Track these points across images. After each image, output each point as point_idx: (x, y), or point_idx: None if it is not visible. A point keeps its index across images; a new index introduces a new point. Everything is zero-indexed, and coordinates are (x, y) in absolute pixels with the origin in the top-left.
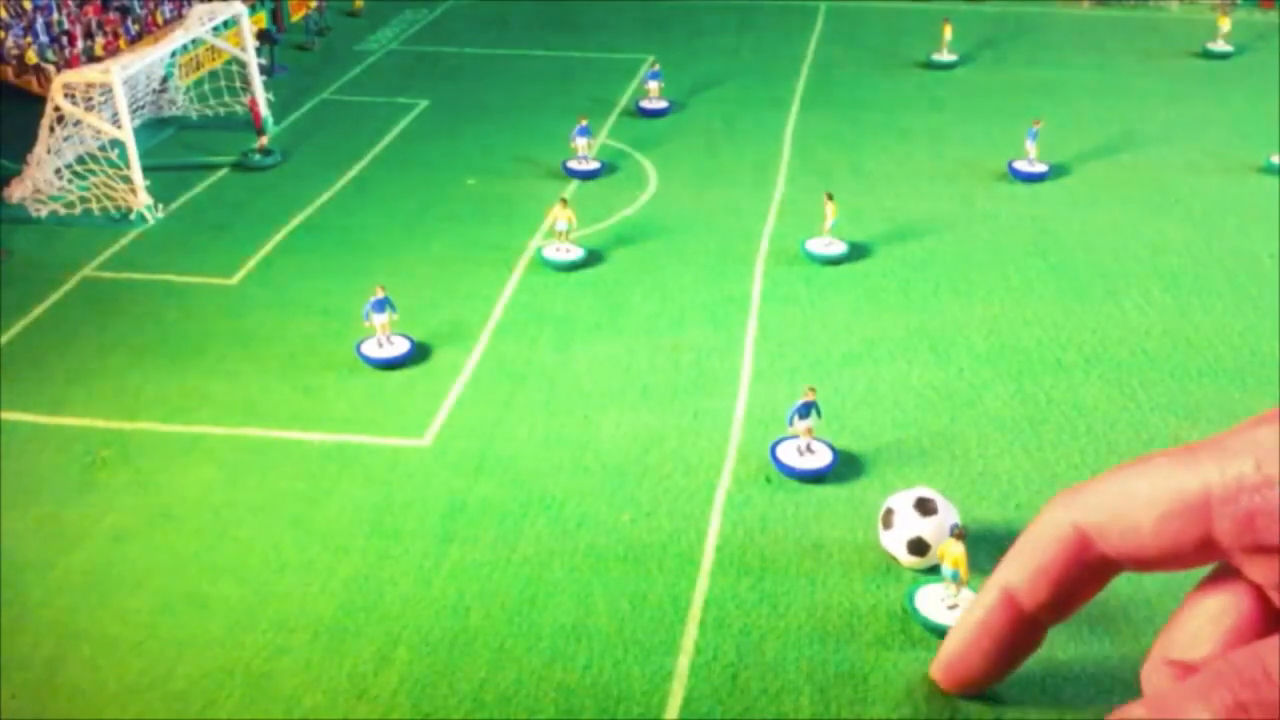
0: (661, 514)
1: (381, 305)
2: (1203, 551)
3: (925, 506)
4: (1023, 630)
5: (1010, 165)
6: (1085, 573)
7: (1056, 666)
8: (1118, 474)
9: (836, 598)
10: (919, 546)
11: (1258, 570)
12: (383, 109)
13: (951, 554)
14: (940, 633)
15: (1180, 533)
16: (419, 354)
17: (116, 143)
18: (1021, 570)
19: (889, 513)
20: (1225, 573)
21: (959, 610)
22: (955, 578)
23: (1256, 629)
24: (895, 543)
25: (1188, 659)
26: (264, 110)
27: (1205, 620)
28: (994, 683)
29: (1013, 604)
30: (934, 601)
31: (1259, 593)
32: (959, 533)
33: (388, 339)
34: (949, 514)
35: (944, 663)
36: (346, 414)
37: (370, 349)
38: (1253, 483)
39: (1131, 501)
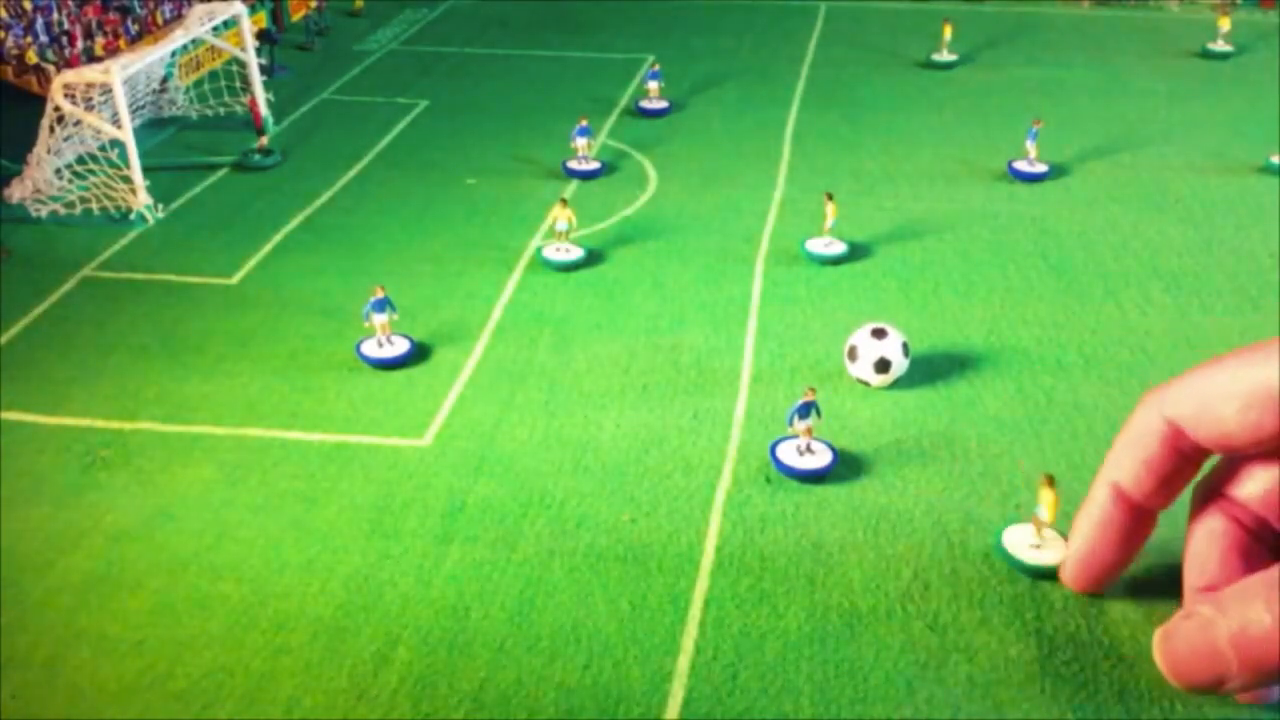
0: (661, 514)
1: (381, 305)
2: None
3: (880, 334)
4: (1137, 520)
5: (1010, 165)
6: (1182, 460)
7: (1056, 667)
8: (1201, 370)
9: (836, 598)
10: (884, 365)
11: None
12: (383, 109)
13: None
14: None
15: (1260, 423)
16: (419, 354)
17: (116, 143)
18: (1126, 466)
19: (853, 349)
20: (1203, 501)
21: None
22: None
23: (1241, 545)
24: (864, 369)
25: (1205, 583)
26: (264, 110)
27: (1206, 544)
28: (1119, 573)
29: (1123, 497)
30: (1021, 544)
31: (1231, 514)
32: None
33: (388, 339)
34: (898, 336)
35: (1075, 565)
36: (346, 414)
37: (370, 349)
38: None
39: (1214, 395)
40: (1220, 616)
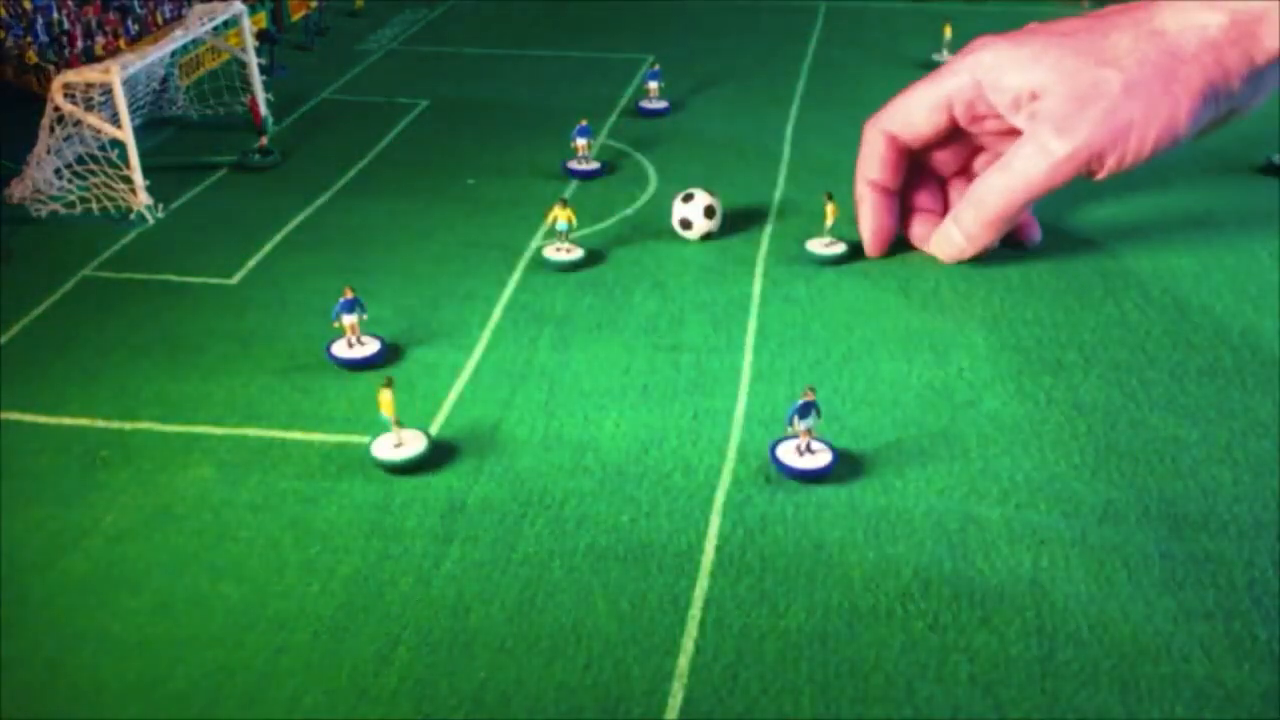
0: (661, 514)
1: (350, 306)
2: (954, 132)
3: (688, 197)
4: (889, 198)
5: None
6: (900, 154)
7: (1057, 666)
8: (903, 95)
9: (836, 598)
10: (686, 224)
11: (978, 129)
12: (383, 109)
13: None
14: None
15: (938, 121)
16: (418, 354)
17: (116, 143)
18: (871, 167)
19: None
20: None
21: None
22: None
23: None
24: (675, 223)
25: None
26: (264, 110)
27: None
28: (894, 234)
29: (875, 185)
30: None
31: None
32: None
33: (358, 339)
34: (704, 198)
35: (868, 239)
36: (346, 414)
37: (340, 350)
38: (968, 84)
39: (911, 109)
40: (954, 224)
